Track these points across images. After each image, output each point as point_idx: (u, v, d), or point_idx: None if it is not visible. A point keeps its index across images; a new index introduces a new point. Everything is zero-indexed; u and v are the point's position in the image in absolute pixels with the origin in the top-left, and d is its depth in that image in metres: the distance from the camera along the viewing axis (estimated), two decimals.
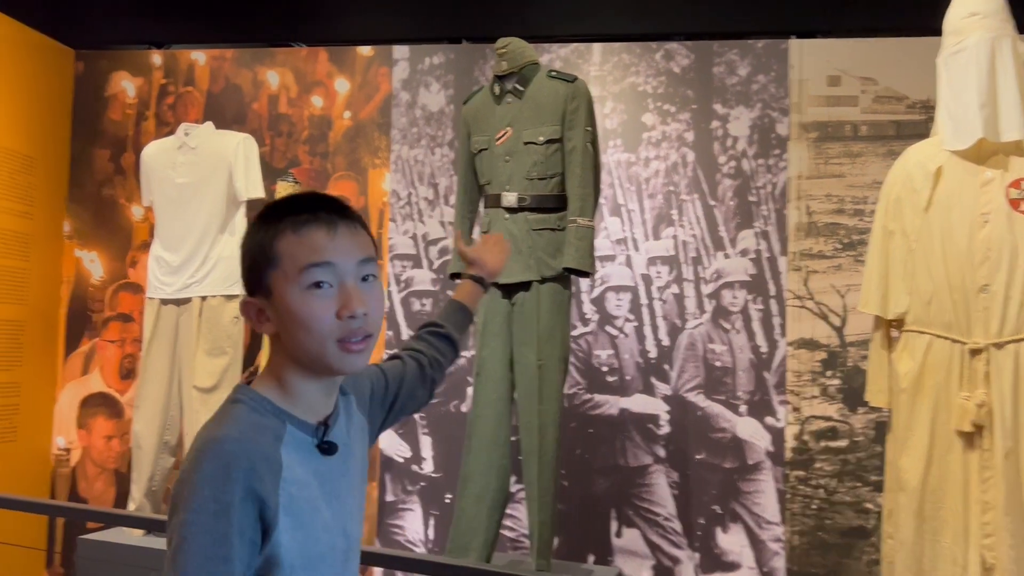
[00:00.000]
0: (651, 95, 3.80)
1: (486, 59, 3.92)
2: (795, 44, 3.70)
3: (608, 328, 3.74)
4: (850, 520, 3.50)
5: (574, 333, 3.71)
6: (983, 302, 2.27)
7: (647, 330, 3.71)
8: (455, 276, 2.99)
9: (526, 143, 2.79)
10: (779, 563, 3.52)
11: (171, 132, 3.52)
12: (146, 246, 3.63)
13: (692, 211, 3.72)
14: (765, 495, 3.56)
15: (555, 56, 3.87)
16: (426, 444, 3.85)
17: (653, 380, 3.68)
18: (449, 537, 2.81)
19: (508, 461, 2.79)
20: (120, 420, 4.14)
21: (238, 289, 3.31)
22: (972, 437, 2.27)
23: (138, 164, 3.70)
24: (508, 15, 3.99)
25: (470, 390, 3.03)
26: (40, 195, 4.15)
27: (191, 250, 3.41)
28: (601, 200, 3.57)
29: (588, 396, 3.72)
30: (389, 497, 3.86)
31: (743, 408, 3.60)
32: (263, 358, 3.71)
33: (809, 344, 3.57)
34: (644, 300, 3.72)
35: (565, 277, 2.79)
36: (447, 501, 3.77)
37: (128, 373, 4.14)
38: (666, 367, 3.68)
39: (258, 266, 1.12)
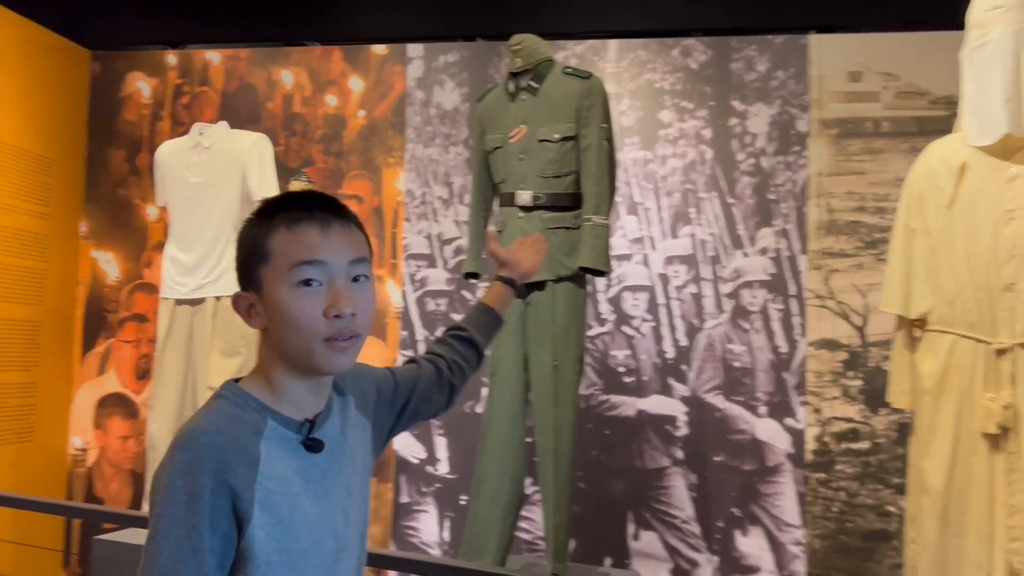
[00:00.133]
0: (668, 92, 3.76)
1: (501, 57, 3.89)
2: (815, 39, 3.65)
3: (625, 328, 3.70)
4: (872, 523, 3.44)
5: (590, 333, 3.67)
6: (1008, 301, 2.21)
7: (664, 330, 3.66)
8: (469, 276, 2.96)
9: (541, 140, 2.75)
10: (800, 567, 3.46)
11: (186, 132, 3.51)
12: (161, 246, 3.62)
13: (710, 209, 3.68)
14: (785, 497, 3.51)
15: (570, 53, 3.83)
16: (441, 445, 3.83)
17: (671, 381, 3.64)
18: (463, 539, 2.78)
19: (523, 463, 2.75)
20: (136, 420, 4.15)
21: None
22: (997, 439, 2.22)
23: (153, 164, 3.70)
24: (523, 12, 3.96)
25: (485, 391, 3.00)
26: (57, 196, 4.16)
27: (205, 250, 3.40)
28: (617, 198, 3.54)
29: (604, 397, 3.68)
30: (404, 499, 3.84)
31: (762, 409, 3.55)
32: None
33: (830, 344, 3.52)
34: (661, 300, 3.68)
35: (580, 276, 2.74)
36: (462, 503, 3.74)
37: (144, 373, 4.15)
38: (684, 368, 3.64)
39: (250, 261, 1.13)
